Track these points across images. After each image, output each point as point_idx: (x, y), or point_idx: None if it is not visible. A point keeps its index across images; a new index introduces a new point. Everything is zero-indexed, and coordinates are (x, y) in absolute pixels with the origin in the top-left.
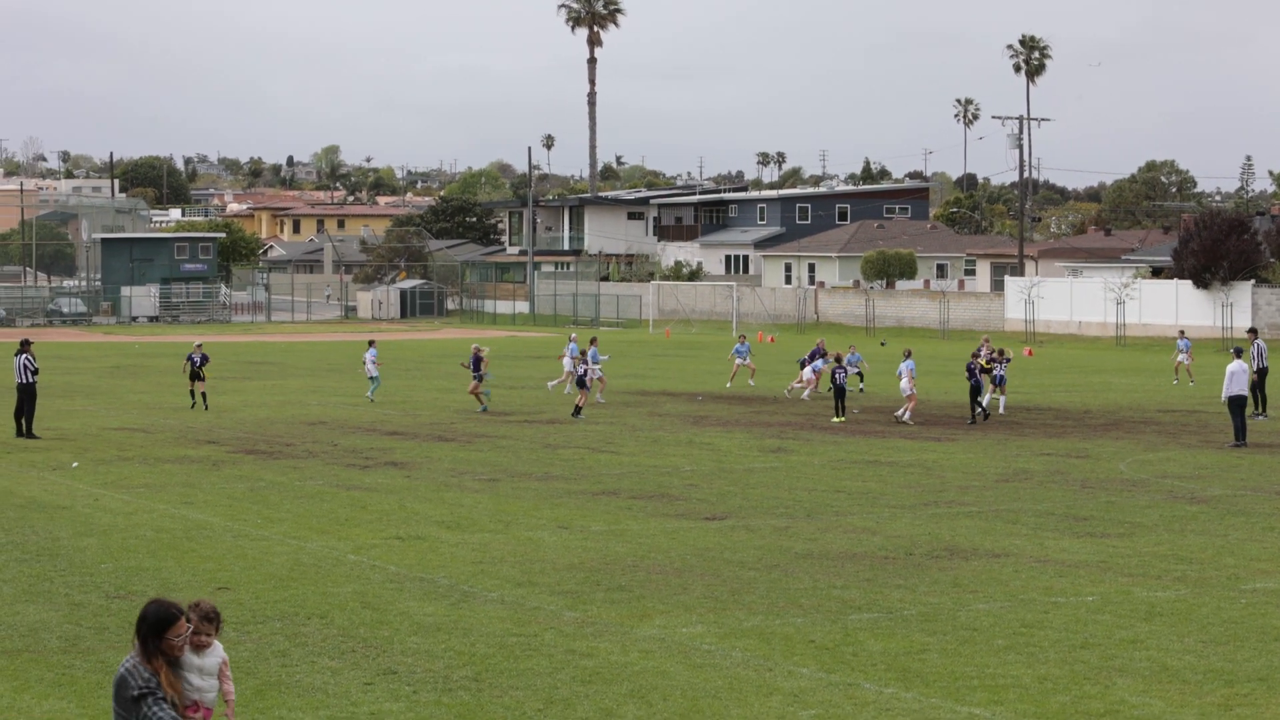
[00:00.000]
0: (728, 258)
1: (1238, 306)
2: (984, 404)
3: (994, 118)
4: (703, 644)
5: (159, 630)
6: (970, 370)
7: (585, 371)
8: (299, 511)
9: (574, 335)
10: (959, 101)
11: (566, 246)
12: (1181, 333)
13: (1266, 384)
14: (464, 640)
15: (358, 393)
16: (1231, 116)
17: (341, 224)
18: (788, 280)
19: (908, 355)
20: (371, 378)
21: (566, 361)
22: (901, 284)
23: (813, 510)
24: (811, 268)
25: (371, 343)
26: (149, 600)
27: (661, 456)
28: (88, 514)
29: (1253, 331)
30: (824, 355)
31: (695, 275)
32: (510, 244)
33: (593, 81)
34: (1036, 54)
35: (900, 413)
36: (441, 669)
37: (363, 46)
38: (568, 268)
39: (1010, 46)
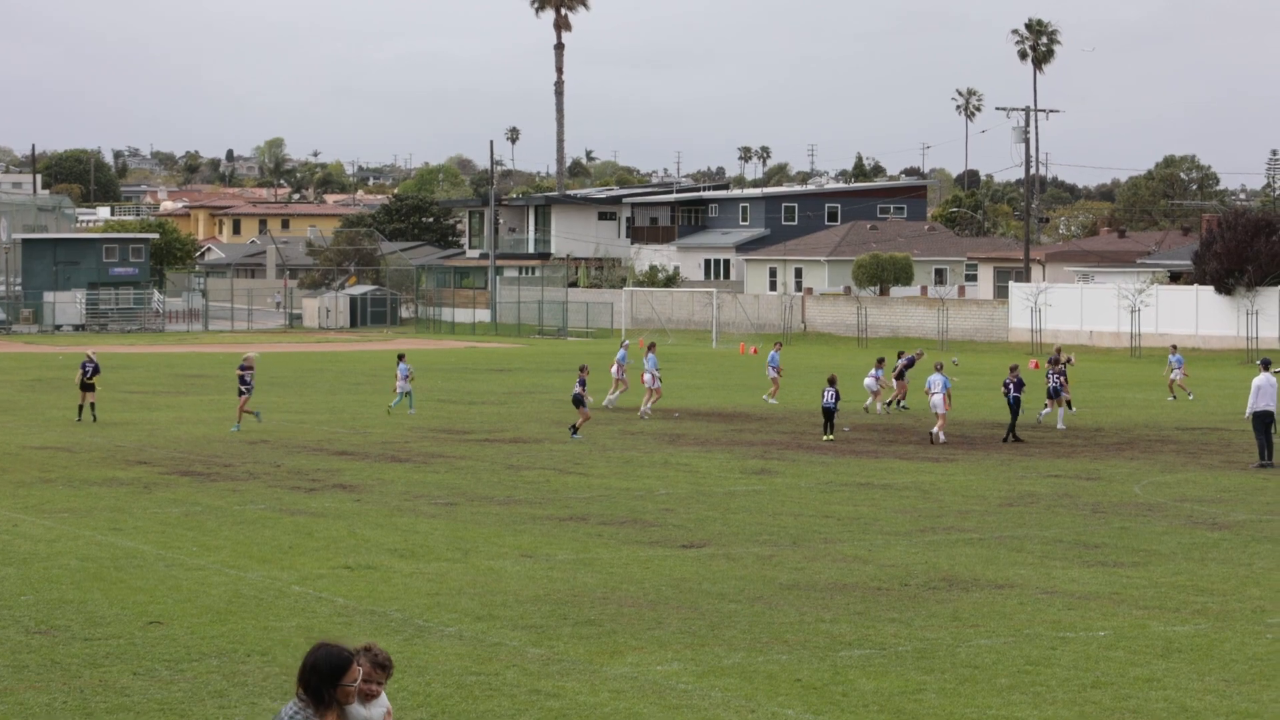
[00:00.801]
0: (707, 262)
1: (1264, 315)
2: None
3: (998, 109)
4: (679, 683)
5: (334, 677)
6: (1006, 387)
7: (581, 392)
8: (238, 539)
9: (626, 342)
10: (960, 92)
11: (532, 249)
12: (1174, 348)
13: None
14: (418, 679)
15: (302, 409)
16: (1258, 107)
17: (286, 224)
18: (772, 286)
19: (939, 368)
20: (406, 393)
21: (615, 369)
22: (896, 290)
23: (799, 537)
24: (798, 273)
25: (401, 356)
26: (316, 644)
27: (634, 478)
28: (5, 541)
29: None
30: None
31: (672, 281)
32: (470, 246)
33: (560, 70)
34: (1044, 39)
35: (935, 430)
36: (394, 711)
37: (311, 29)
38: (533, 272)
39: (1015, 31)
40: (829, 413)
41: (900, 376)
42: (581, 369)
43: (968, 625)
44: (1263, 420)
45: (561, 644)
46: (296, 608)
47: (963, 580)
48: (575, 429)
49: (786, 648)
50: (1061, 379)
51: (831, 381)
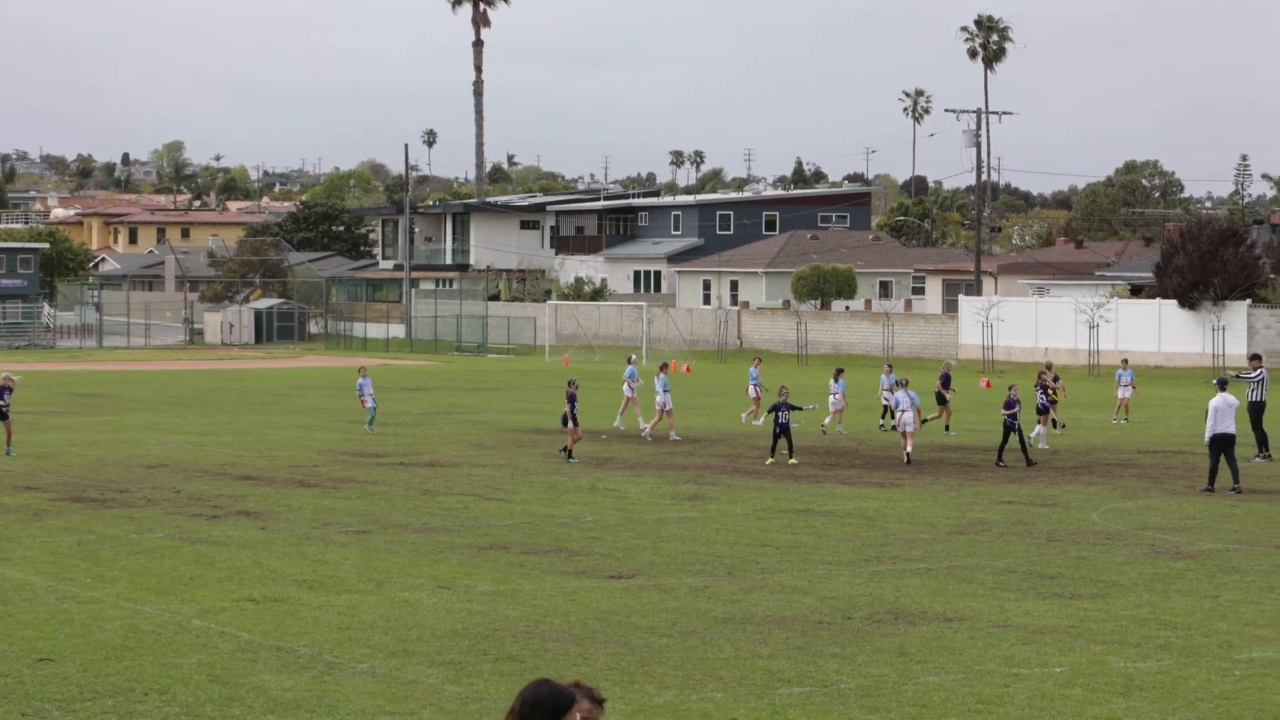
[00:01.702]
0: (636, 274)
1: (1231, 330)
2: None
3: (947, 111)
4: None
5: (556, 715)
6: (1010, 403)
7: (570, 412)
8: (135, 569)
9: (633, 357)
10: (907, 93)
11: (449, 260)
12: (1124, 361)
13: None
14: (328, 719)
15: (203, 431)
16: (1225, 110)
17: (186, 233)
18: (706, 300)
19: (905, 385)
20: (370, 408)
21: (627, 388)
22: (838, 304)
23: (735, 567)
24: (734, 285)
25: (363, 369)
26: (534, 681)
27: (559, 505)
28: None
29: (1256, 358)
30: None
31: (599, 294)
32: (384, 257)
33: (479, 69)
34: (995, 37)
35: (909, 450)
36: None
37: (215, 23)
38: (451, 285)
39: (964, 29)
40: (785, 429)
41: (942, 401)
42: (570, 383)
43: (915, 661)
44: (1221, 443)
45: (481, 682)
46: (197, 643)
47: (909, 613)
48: (569, 452)
49: (721, 685)
50: (1048, 396)
51: (783, 393)
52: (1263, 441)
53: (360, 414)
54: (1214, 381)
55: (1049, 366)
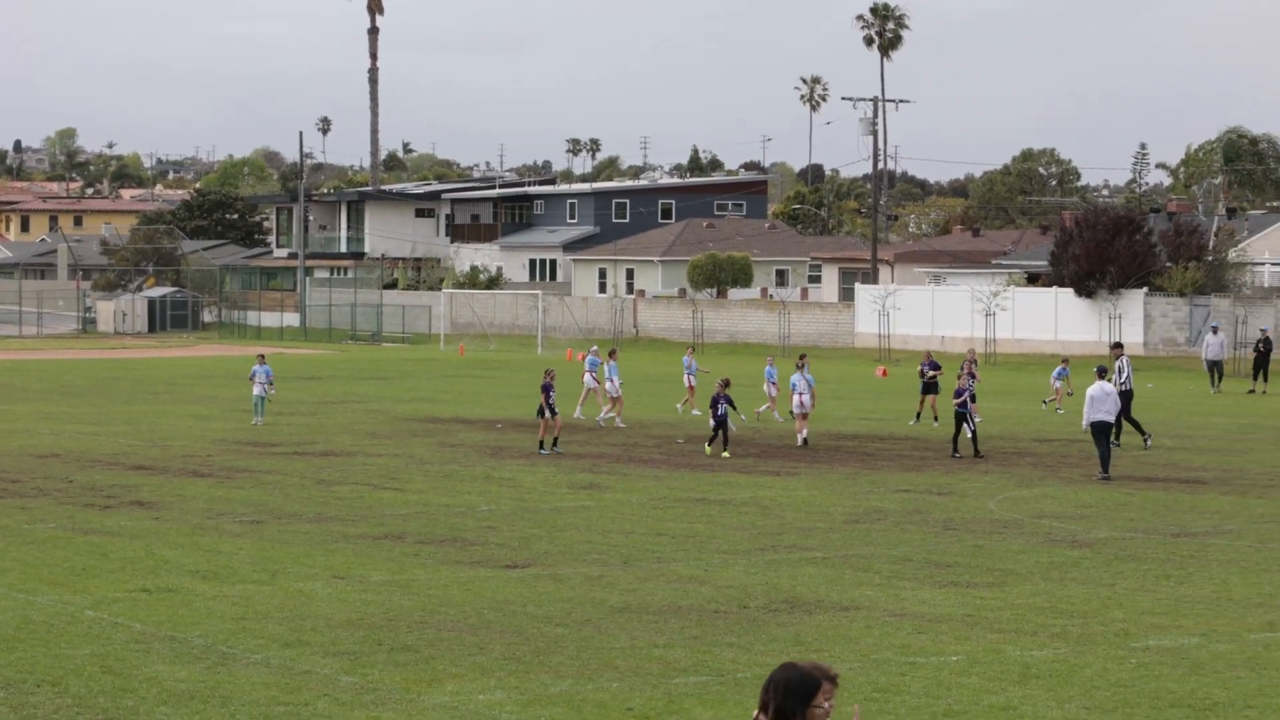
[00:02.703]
0: (532, 262)
1: (1127, 318)
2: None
3: (844, 99)
4: (503, 712)
5: (808, 699)
6: (959, 391)
7: (547, 401)
8: (27, 560)
9: (595, 348)
10: (804, 80)
11: (344, 249)
12: (1065, 360)
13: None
14: (222, 710)
15: (96, 420)
16: (1124, 99)
17: (79, 221)
18: (602, 289)
19: (803, 367)
20: (261, 398)
21: (589, 378)
22: (735, 293)
23: (630, 556)
24: (630, 274)
25: (262, 356)
26: (781, 666)
27: (454, 494)
28: None
29: (1118, 346)
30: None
31: (494, 283)
32: (278, 245)
33: (374, 55)
34: (891, 25)
35: (803, 435)
36: None
37: (107, 8)
38: (345, 273)
39: (861, 17)
40: (722, 422)
41: (933, 390)
42: (547, 373)
43: (811, 650)
44: (1102, 430)
45: (376, 672)
46: (90, 634)
47: (805, 602)
48: (548, 444)
49: (617, 674)
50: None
51: (725, 384)
52: (1138, 428)
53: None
54: (1095, 370)
55: (971, 352)
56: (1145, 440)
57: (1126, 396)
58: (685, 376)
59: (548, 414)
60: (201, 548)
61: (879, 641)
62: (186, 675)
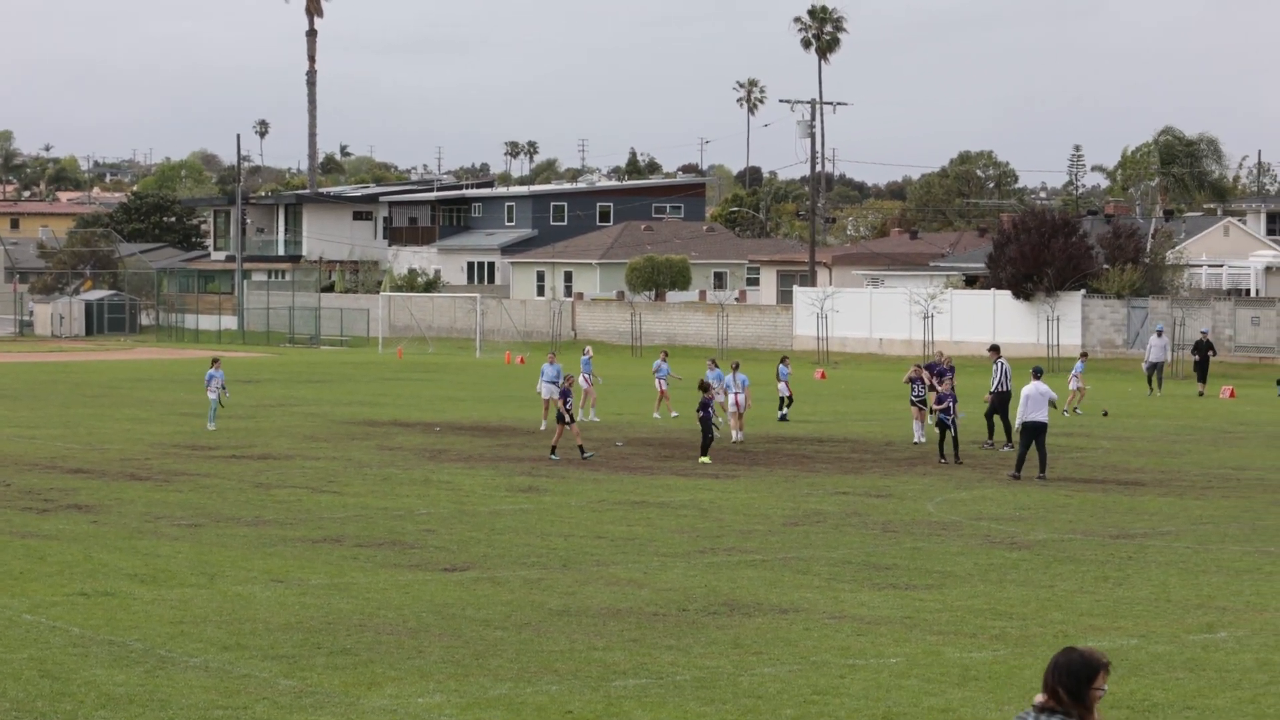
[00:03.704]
0: (470, 265)
1: (1065, 320)
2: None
3: (781, 101)
4: (442, 716)
5: (1090, 681)
6: (941, 398)
7: (565, 407)
8: None
9: (588, 349)
10: (741, 83)
11: (282, 251)
12: (1084, 354)
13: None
14: (160, 713)
15: (34, 423)
16: (1060, 102)
17: (15, 224)
18: (540, 291)
19: (737, 367)
20: (216, 403)
21: (583, 380)
22: (673, 296)
23: (569, 559)
24: (568, 276)
25: (216, 361)
26: (1061, 650)
27: (393, 497)
28: None
29: (994, 349)
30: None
31: (432, 285)
32: (216, 248)
33: (312, 58)
34: (829, 27)
35: (738, 434)
36: None
37: (42, 9)
38: (283, 276)
39: (798, 19)
40: (706, 423)
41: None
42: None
43: (750, 652)
44: (1032, 430)
45: (315, 675)
46: (28, 638)
47: (745, 604)
48: (582, 449)
49: (557, 677)
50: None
51: (705, 388)
52: (994, 431)
53: (193, 406)
54: (1032, 370)
55: (941, 354)
56: (991, 444)
57: (1002, 398)
58: (656, 381)
59: (566, 420)
60: (140, 551)
61: (818, 644)
62: (125, 679)
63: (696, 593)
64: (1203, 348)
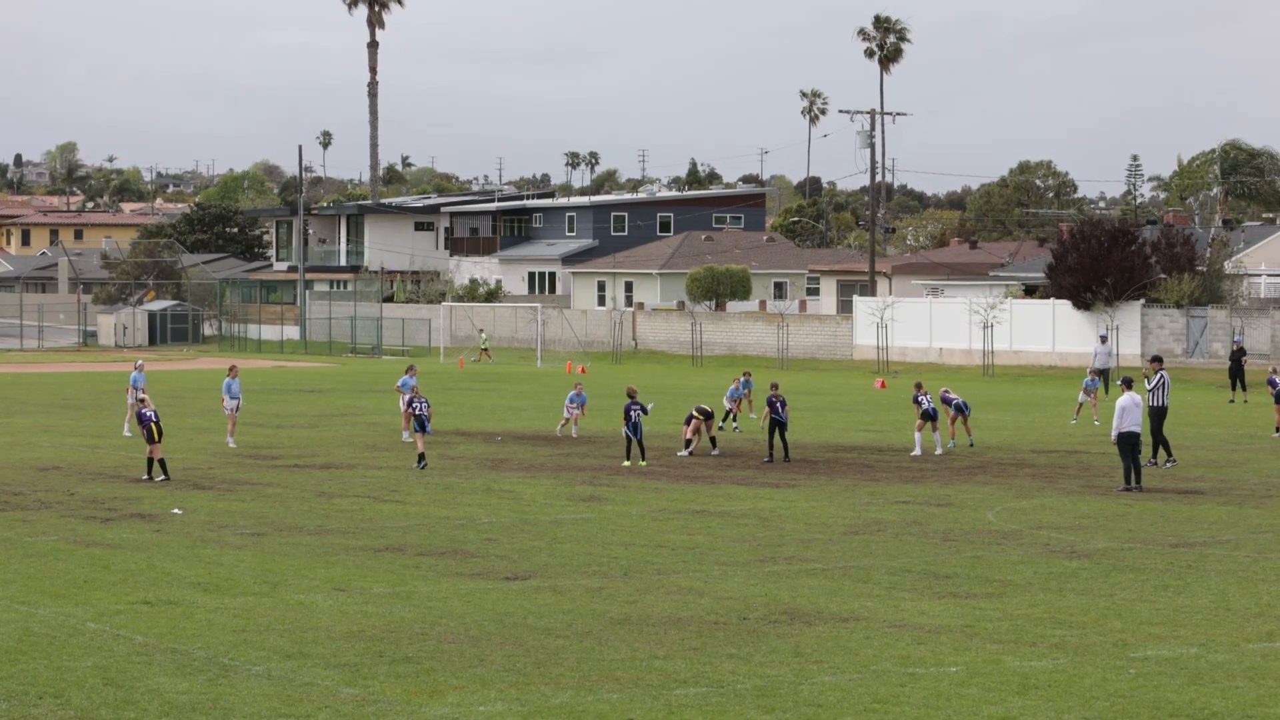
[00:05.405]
0: (531, 275)
1: (1125, 330)
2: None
3: (842, 112)
4: None
5: None
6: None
7: (634, 420)
8: (29, 572)
9: (748, 371)
10: (804, 93)
11: (343, 262)
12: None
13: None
14: None
15: (97, 433)
16: (1120, 112)
17: (79, 235)
18: (601, 301)
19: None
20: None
21: (726, 401)
22: (733, 305)
23: (630, 568)
24: (629, 286)
25: (233, 368)
26: None
27: (454, 506)
28: None
29: (1157, 360)
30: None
31: (493, 295)
32: (278, 259)
33: (374, 69)
34: (892, 38)
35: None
36: None
37: (106, 23)
38: (345, 286)
39: (862, 30)
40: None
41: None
42: (630, 393)
43: (810, 661)
44: (1128, 441)
45: (377, 683)
46: (92, 646)
47: (805, 613)
48: (637, 459)
49: (618, 686)
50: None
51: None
52: (1160, 447)
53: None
54: (1119, 382)
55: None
56: (1153, 460)
57: (1159, 413)
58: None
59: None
60: (203, 560)
61: (878, 653)
62: (188, 687)
63: (757, 601)
64: (1237, 355)
